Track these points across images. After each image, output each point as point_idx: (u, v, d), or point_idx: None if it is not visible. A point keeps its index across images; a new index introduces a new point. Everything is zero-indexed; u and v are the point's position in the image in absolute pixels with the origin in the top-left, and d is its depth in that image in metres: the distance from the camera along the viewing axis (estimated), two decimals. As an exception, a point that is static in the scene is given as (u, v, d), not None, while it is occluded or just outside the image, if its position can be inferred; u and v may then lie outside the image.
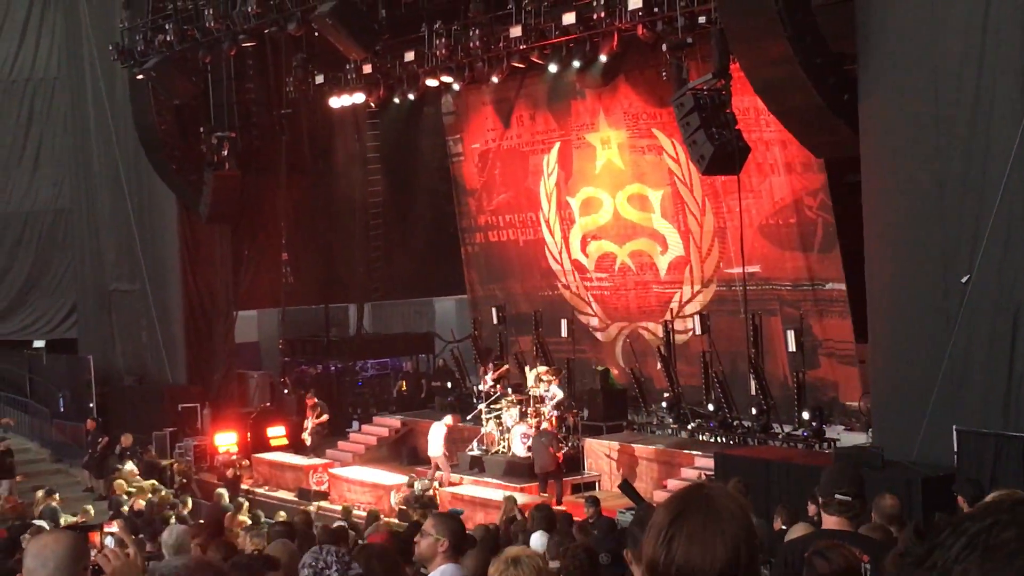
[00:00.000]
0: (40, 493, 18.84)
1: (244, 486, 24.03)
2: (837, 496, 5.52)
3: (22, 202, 33.97)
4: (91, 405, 27.41)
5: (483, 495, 20.68)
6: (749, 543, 2.58)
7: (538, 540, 10.77)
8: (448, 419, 22.83)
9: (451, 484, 21.85)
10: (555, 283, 26.07)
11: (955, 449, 14.20)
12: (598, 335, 25.36)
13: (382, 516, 18.96)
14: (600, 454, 21.79)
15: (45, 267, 33.91)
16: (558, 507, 17.24)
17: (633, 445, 21.44)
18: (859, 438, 18.50)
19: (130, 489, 20.27)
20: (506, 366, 24.78)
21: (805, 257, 20.86)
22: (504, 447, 22.43)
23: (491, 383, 23.87)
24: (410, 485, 21.39)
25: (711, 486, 2.73)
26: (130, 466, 22.62)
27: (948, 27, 14.39)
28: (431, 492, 21.06)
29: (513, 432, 22.16)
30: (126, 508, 18.58)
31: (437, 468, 22.39)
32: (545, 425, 21.31)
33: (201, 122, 26.62)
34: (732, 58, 17.59)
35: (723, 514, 2.59)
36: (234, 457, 24.88)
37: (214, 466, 25.34)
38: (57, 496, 18.63)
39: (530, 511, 12.56)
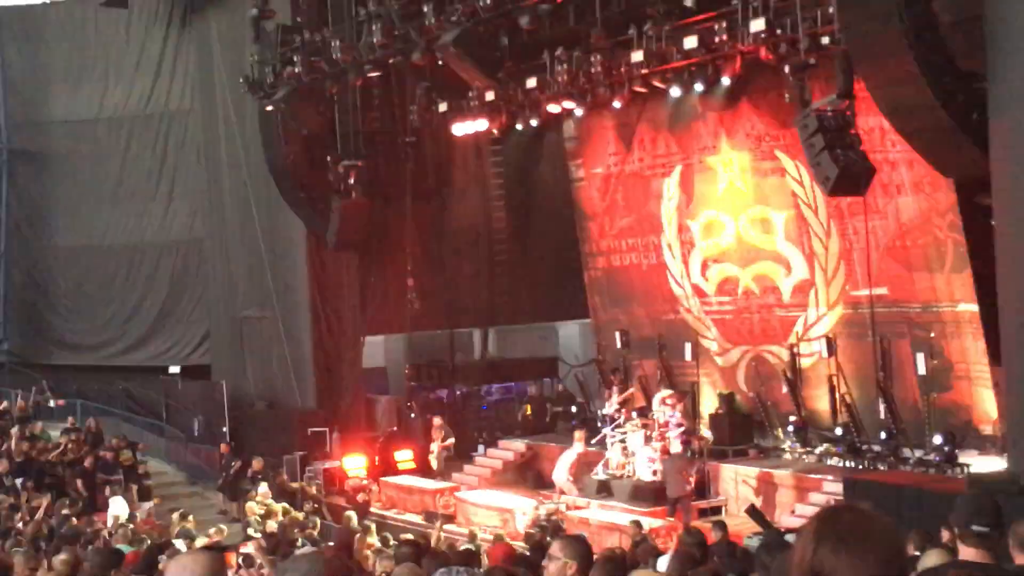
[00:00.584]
0: (176, 515, 19.25)
1: (372, 509, 24.24)
2: (974, 528, 5.33)
3: (158, 233, 34.89)
4: (224, 429, 27.94)
5: (609, 519, 20.57)
6: (900, 559, 2.52)
7: (663, 563, 10.65)
8: (578, 445, 22.75)
9: (576, 508, 21.77)
10: (677, 307, 25.86)
11: (1095, 474, 13.76)
12: (718, 360, 25.08)
13: (507, 539, 18.96)
14: (726, 478, 21.54)
15: (179, 295, 34.75)
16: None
17: (760, 469, 21.17)
18: (994, 463, 18.00)
19: (261, 511, 20.62)
20: (631, 390, 24.69)
21: (934, 278, 20.39)
22: (630, 471, 22.31)
23: (616, 407, 23.79)
24: (537, 508, 21.38)
25: (861, 504, 2.70)
26: (264, 488, 22.94)
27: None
28: (556, 516, 21.00)
29: (638, 456, 22.03)
30: (252, 530, 18.89)
31: (562, 493, 22.34)
32: (676, 449, 21.15)
33: (328, 151, 27.00)
34: (856, 78, 17.33)
35: (875, 526, 2.54)
36: (365, 482, 25.06)
37: (344, 490, 25.58)
38: (192, 518, 19.01)
39: (679, 535, 12.46)
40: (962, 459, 18.56)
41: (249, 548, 13.69)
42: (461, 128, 26.16)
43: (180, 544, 15.26)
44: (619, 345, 26.41)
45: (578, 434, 23.01)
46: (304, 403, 28.45)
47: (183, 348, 34.63)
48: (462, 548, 15.10)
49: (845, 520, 2.60)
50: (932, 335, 20.36)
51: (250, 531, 19.16)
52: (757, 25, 19.07)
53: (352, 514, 20.05)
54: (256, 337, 29.95)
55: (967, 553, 5.40)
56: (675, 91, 22.00)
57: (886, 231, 20.94)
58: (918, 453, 19.28)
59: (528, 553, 15.44)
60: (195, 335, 34.42)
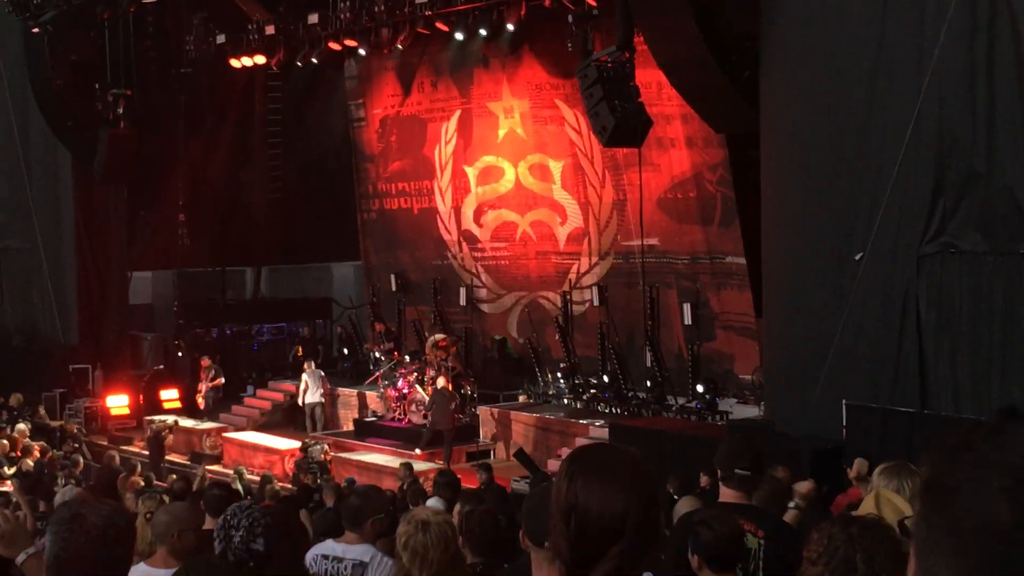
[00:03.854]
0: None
1: (135, 448, 23.71)
2: (736, 471, 5.54)
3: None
4: (-22, 365, 26.79)
5: (378, 461, 20.59)
6: (646, 494, 2.63)
7: (435, 503, 10.72)
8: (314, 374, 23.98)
9: (345, 449, 21.74)
10: (445, 253, 25.98)
11: (844, 423, 14.44)
12: (484, 307, 25.31)
13: (275, 480, 18.80)
14: (495, 422, 21.82)
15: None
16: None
17: (528, 414, 21.50)
18: (752, 411, 18.72)
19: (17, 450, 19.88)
20: (391, 343, 24.79)
21: (704, 231, 20.99)
22: (400, 413, 22.38)
23: (388, 349, 23.93)
24: (304, 449, 21.22)
25: (613, 443, 2.82)
26: (22, 426, 22.14)
27: (848, 9, 14.56)
28: (324, 458, 20.89)
29: (409, 399, 22.12)
30: (7, 468, 18.21)
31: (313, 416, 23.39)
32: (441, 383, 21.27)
33: (98, 79, 25.98)
34: (637, 31, 17.62)
35: (622, 459, 2.67)
36: (169, 421, 23.92)
37: (106, 428, 24.83)
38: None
39: (433, 476, 12.52)
40: (722, 407, 19.26)
41: (8, 487, 13.22)
42: (239, 62, 25.57)
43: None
44: (394, 288, 26.41)
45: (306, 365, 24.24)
46: (66, 339, 27.50)
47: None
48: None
49: (595, 456, 2.75)
50: (698, 286, 21.00)
51: (4, 469, 18.45)
52: (542, -28, 19.21)
53: (114, 453, 19.52)
54: (16, 269, 28.71)
55: (727, 494, 5.62)
56: (459, 35, 21.97)
57: (659, 183, 21.43)
58: (681, 400, 19.92)
59: (296, 494, 15.37)
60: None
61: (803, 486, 7.63)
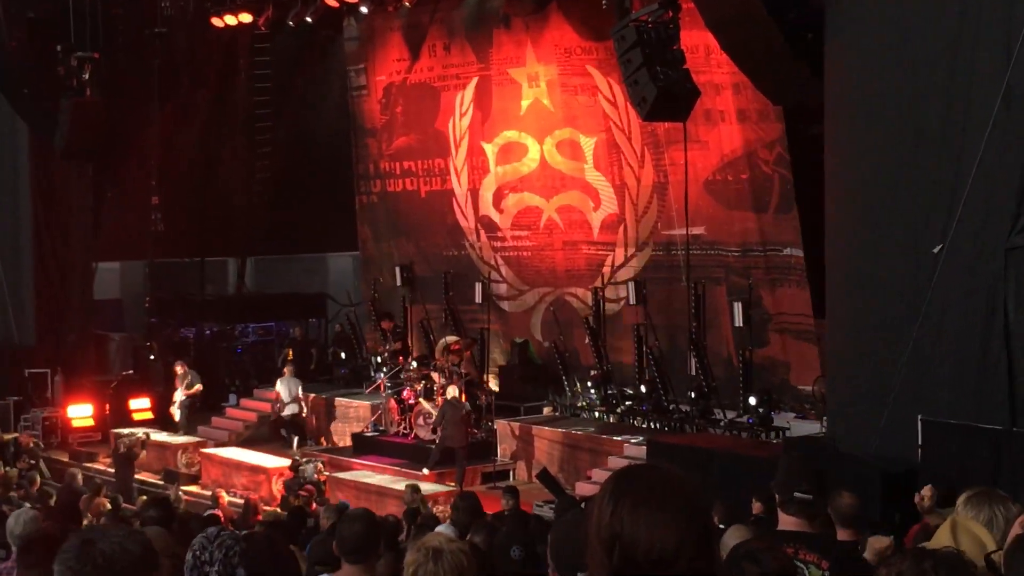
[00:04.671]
0: None
1: (100, 466, 23.78)
2: (796, 495, 5.54)
3: None
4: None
5: (380, 482, 20.58)
6: (703, 523, 2.59)
7: (445, 530, 10.72)
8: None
9: (341, 468, 21.77)
10: (462, 242, 25.95)
11: (919, 442, 14.35)
12: (504, 304, 25.28)
13: (262, 506, 18.82)
14: (516, 438, 21.79)
15: None
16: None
17: (553, 429, 21.47)
18: (812, 427, 18.65)
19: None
20: (398, 343, 24.77)
21: (757, 218, 20.91)
22: (405, 427, 22.38)
23: (392, 353, 23.93)
24: (294, 468, 21.25)
25: (661, 463, 2.75)
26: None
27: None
28: (317, 477, 20.91)
29: (416, 410, 22.12)
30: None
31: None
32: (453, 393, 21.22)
33: (60, 40, 26.03)
34: (682, -14, 17.56)
35: (677, 485, 2.62)
36: (139, 435, 23.85)
37: (69, 446, 24.91)
38: None
39: (453, 500, 12.53)
40: (778, 422, 19.18)
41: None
42: (221, 21, 25.59)
43: None
44: (399, 283, 26.39)
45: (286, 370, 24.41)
46: (21, 339, 27.60)
47: None
48: (206, 514, 14.96)
49: (645, 479, 2.69)
50: (751, 282, 20.90)
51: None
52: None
53: (76, 471, 19.61)
54: (-37, 260, 28.87)
55: (787, 522, 5.61)
56: (476, -11, 22.00)
57: (706, 163, 21.36)
58: (730, 414, 19.86)
59: (286, 519, 15.39)
60: None
61: (842, 501, 7.54)
